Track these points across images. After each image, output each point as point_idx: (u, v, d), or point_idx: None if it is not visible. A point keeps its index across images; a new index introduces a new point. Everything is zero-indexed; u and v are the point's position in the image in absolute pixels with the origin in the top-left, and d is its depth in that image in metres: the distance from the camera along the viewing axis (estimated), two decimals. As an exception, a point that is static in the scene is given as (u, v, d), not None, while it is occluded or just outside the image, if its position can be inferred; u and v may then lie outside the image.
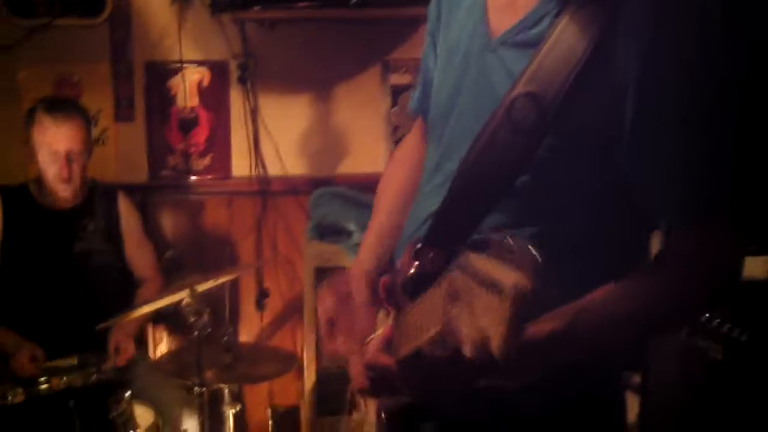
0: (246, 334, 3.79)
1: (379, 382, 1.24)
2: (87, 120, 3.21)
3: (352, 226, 3.27)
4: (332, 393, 3.25)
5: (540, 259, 0.92)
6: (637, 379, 2.53)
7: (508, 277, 0.86)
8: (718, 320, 2.20)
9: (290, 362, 3.10)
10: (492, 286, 0.86)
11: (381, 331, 1.34)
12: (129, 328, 3.13)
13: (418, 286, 1.27)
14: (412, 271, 1.34)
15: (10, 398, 2.65)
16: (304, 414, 3.40)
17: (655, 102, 1.21)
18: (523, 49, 1.29)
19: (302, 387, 3.55)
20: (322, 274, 3.27)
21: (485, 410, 1.35)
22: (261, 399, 3.85)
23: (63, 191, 3.15)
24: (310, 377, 3.31)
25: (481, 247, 0.97)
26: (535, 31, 1.29)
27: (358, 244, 3.23)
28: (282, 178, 3.79)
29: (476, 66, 1.38)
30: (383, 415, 1.39)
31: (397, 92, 3.82)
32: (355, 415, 1.61)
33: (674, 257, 1.26)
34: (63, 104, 3.21)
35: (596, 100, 1.23)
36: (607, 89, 1.22)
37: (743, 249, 1.31)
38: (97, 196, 3.32)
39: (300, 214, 3.77)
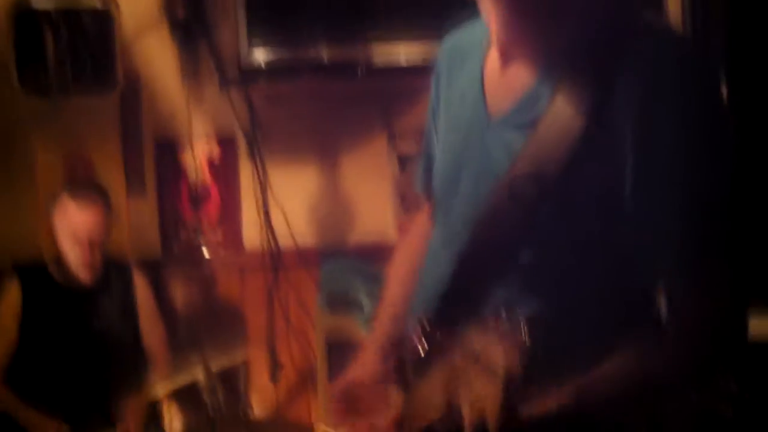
0: (260, 407, 3.77)
1: None
2: (108, 204, 3.28)
3: (363, 299, 3.28)
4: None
5: (528, 342, 0.96)
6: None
7: (500, 358, 0.89)
8: (726, 378, 2.20)
9: (306, 435, 3.10)
10: (487, 367, 0.90)
11: (391, 410, 1.36)
12: (141, 405, 3.15)
13: (426, 364, 1.29)
14: (420, 350, 1.36)
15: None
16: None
17: (652, 170, 1.23)
18: (522, 128, 1.33)
19: (318, 459, 3.53)
20: (334, 346, 3.28)
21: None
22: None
23: (84, 274, 3.20)
24: (325, 450, 3.29)
25: (481, 325, 1.00)
26: (533, 112, 1.33)
27: (369, 317, 3.26)
28: (293, 249, 3.80)
29: (477, 145, 1.41)
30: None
31: (403, 160, 3.87)
32: None
33: (677, 322, 1.29)
34: (86, 188, 3.30)
35: (595, 171, 1.26)
36: (605, 160, 1.25)
37: (745, 309, 1.32)
38: (113, 274, 3.36)
39: (311, 284, 3.78)
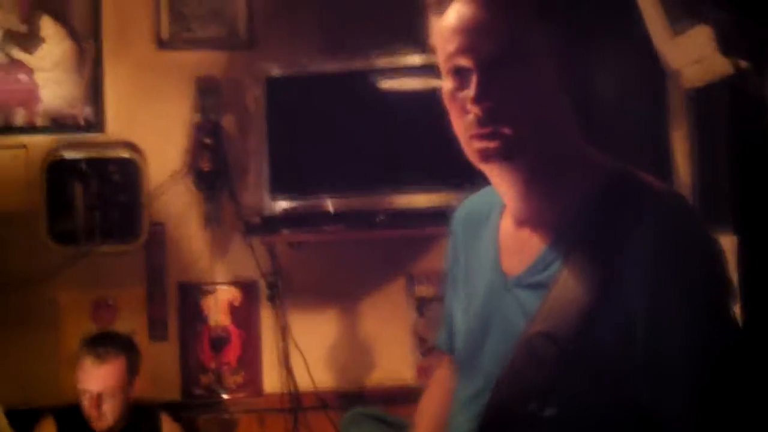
0: None
1: None
2: (130, 358, 3.33)
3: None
4: None
5: None
6: None
7: None
8: None
9: None
10: None
11: None
12: None
13: None
14: None
15: None
16: None
17: (663, 336, 1.28)
18: (537, 289, 1.38)
19: None
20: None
21: None
22: None
23: (94, 426, 3.23)
24: None
25: None
26: (546, 273, 1.38)
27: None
28: (312, 393, 3.83)
29: (496, 305, 1.46)
30: None
31: (422, 303, 3.93)
32: None
33: None
34: (107, 342, 3.34)
35: (608, 332, 1.30)
36: (617, 322, 1.29)
37: None
38: (141, 419, 3.40)
39: (330, 429, 3.79)
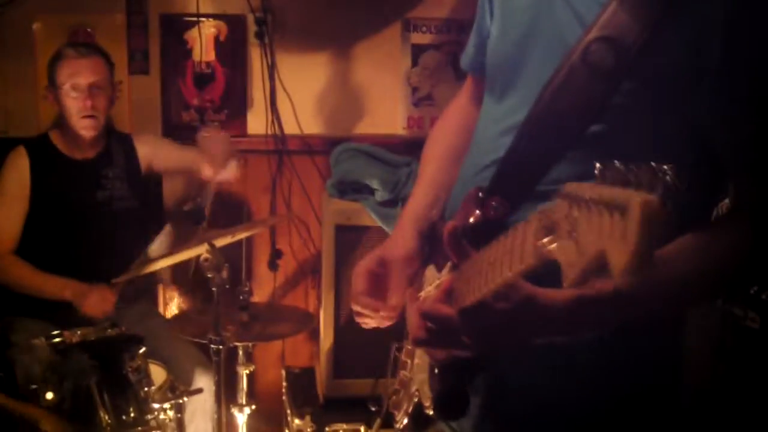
0: (259, 295, 3.73)
1: (438, 333, 1.19)
2: (109, 61, 3.22)
3: (375, 184, 3.19)
4: (350, 354, 3.21)
5: (676, 179, 0.81)
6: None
7: (632, 195, 0.74)
8: (755, 288, 2.15)
9: (307, 321, 3.06)
10: (610, 206, 0.76)
11: (441, 281, 1.29)
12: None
13: (478, 235, 1.21)
14: (472, 219, 1.28)
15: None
16: (320, 375, 3.35)
17: (740, 50, 1.15)
18: None
19: (317, 348, 3.50)
20: (342, 232, 3.21)
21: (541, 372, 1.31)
22: (272, 360, 3.81)
23: (86, 129, 3.13)
24: (327, 338, 3.25)
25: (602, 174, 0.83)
26: None
27: (380, 203, 3.19)
28: (298, 137, 3.72)
29: (544, 13, 1.31)
30: (436, 370, 1.34)
31: (417, 52, 3.75)
32: (402, 374, 1.55)
33: (741, 212, 1.23)
34: (86, 45, 3.26)
35: (678, 45, 1.17)
36: (690, 34, 1.16)
37: None
38: (115, 144, 3.30)
39: (315, 174, 3.71)
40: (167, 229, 3.15)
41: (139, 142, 3.37)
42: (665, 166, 0.79)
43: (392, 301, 1.47)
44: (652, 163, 0.80)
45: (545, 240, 0.87)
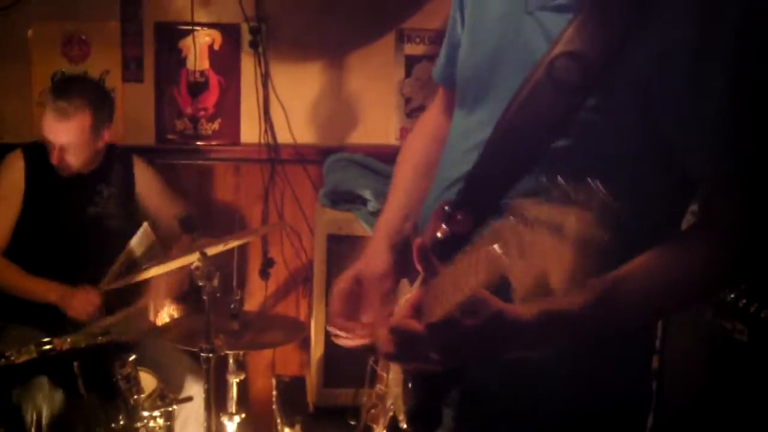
0: (250, 303, 3.74)
1: (407, 348, 1.19)
2: (98, 109, 3.11)
3: (367, 194, 3.20)
4: (340, 363, 3.20)
5: (611, 198, 0.83)
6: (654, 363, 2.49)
7: (567, 214, 0.78)
8: (744, 300, 2.16)
9: (298, 330, 3.07)
10: (550, 226, 0.79)
11: (409, 296, 1.29)
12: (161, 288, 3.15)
13: (445, 249, 1.22)
14: (439, 234, 1.29)
15: (13, 357, 2.59)
16: (311, 383, 3.35)
17: (704, 65, 1.16)
18: (563, 12, 1.24)
19: (307, 357, 3.50)
20: (334, 241, 3.22)
21: (513, 383, 1.31)
22: (262, 369, 3.81)
23: (59, 169, 3.14)
24: (318, 347, 3.25)
25: (541, 195, 0.87)
26: None
27: (372, 213, 3.19)
28: (291, 146, 3.73)
29: (513, 29, 1.33)
30: (409, 384, 1.35)
31: (410, 62, 3.76)
32: (378, 388, 1.56)
33: (710, 224, 1.23)
34: (72, 92, 3.09)
35: (642, 59, 1.18)
36: (654, 49, 1.17)
37: None
38: (113, 162, 3.30)
39: (307, 183, 3.72)
40: (145, 226, 3.15)
41: (138, 168, 3.36)
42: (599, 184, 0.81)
43: (367, 318, 1.47)
44: (589, 180, 0.81)
45: (496, 254, 0.88)
